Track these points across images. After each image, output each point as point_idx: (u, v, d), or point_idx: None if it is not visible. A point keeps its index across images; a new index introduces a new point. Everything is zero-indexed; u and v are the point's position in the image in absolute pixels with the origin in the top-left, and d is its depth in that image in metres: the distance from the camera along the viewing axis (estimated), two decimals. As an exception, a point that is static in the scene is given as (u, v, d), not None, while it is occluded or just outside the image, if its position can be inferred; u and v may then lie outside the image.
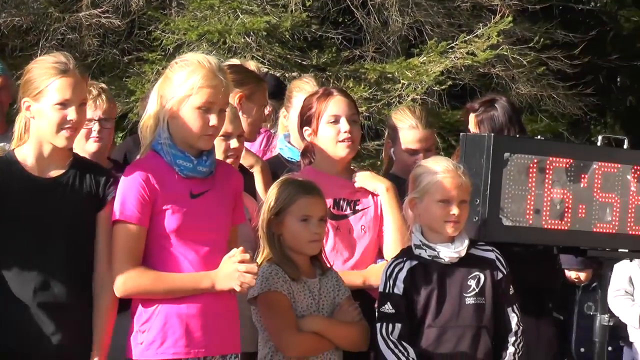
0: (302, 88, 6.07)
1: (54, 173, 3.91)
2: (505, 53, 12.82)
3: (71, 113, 3.83)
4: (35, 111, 3.81)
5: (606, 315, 5.14)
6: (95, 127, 5.52)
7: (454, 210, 4.33)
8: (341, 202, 5.02)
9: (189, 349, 4.06)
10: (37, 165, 3.87)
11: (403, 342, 4.37)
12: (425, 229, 4.52)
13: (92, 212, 3.99)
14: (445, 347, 4.42)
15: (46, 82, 3.91)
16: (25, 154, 3.92)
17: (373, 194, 5.16)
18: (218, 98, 3.99)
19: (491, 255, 4.59)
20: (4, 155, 4.09)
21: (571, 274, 8.15)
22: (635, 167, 4.95)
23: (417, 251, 4.51)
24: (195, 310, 4.10)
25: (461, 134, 5.47)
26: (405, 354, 4.35)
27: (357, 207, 5.08)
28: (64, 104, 3.83)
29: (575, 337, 8.23)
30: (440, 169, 4.47)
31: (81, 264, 3.92)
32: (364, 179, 5.20)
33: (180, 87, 3.98)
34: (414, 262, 4.50)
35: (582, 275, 8.13)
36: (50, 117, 3.82)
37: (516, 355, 4.51)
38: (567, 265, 7.57)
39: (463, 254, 4.47)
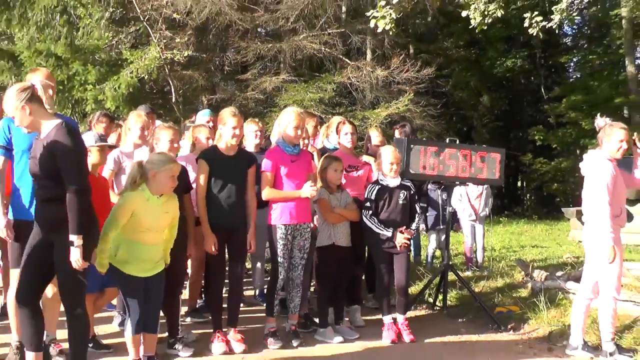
0: (332, 121, 8.76)
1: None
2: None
3: None
4: None
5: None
6: None
7: (394, 167, 7.27)
8: (350, 166, 8.01)
9: (291, 220, 6.93)
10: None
11: (373, 217, 7.32)
12: (382, 171, 7.46)
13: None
14: (390, 221, 7.30)
15: None
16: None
17: (366, 164, 8.34)
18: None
19: (408, 183, 7.56)
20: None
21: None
22: (462, 151, 8.20)
23: (380, 182, 7.45)
24: (294, 204, 6.89)
25: (395, 137, 9.25)
26: (374, 220, 7.28)
27: (357, 169, 8.15)
28: None
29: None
30: (390, 151, 7.41)
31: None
32: (364, 157, 8.62)
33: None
34: (378, 186, 7.42)
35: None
36: None
37: (415, 225, 7.57)
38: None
39: (398, 183, 7.41)
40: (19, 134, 5.80)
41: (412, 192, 7.57)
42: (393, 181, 7.42)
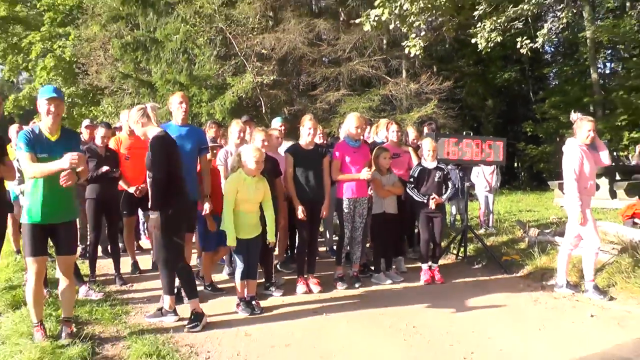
0: (379, 123, 8.91)
1: None
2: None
3: None
4: None
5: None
6: None
7: (432, 153, 7.29)
8: (395, 154, 7.72)
9: (353, 194, 6.90)
10: None
11: (414, 189, 7.32)
12: (424, 157, 7.46)
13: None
14: (428, 193, 7.25)
15: None
16: None
17: (406, 152, 8.15)
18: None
19: (443, 166, 7.51)
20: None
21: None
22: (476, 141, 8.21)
23: (422, 164, 7.43)
24: (355, 184, 6.87)
25: (425, 132, 9.09)
26: (414, 192, 7.29)
27: (400, 156, 7.94)
28: None
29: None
30: (429, 142, 7.43)
31: None
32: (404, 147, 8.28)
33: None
34: (420, 167, 7.40)
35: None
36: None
37: (445, 196, 7.43)
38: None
39: (434, 165, 7.38)
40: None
41: (445, 172, 7.50)
42: (431, 164, 7.43)
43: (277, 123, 8.65)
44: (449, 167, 9.48)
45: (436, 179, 7.37)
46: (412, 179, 7.43)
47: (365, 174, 6.81)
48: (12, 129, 8.57)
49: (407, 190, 7.43)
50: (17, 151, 4.81)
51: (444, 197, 7.49)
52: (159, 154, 5.21)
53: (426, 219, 7.41)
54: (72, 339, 4.84)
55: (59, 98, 4.85)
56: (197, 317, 5.39)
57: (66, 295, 5.09)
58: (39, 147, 4.67)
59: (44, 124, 4.81)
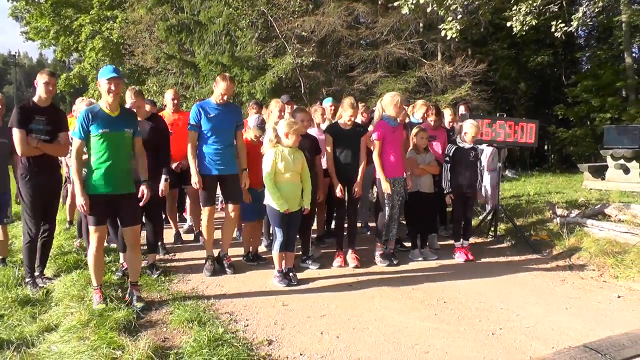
0: (416, 103, 8.51)
1: None
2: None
3: None
4: None
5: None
6: None
7: (470, 135, 7.21)
8: (431, 136, 7.68)
9: (391, 174, 6.70)
10: None
11: (448, 173, 7.25)
12: (463, 138, 7.34)
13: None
14: (464, 172, 7.25)
15: None
16: None
17: (442, 132, 8.13)
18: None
19: (477, 146, 7.65)
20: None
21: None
22: (509, 122, 8.08)
23: (458, 144, 7.35)
24: (393, 164, 6.69)
25: (460, 113, 8.95)
26: (447, 176, 7.24)
27: (435, 138, 7.94)
28: None
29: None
30: (469, 124, 7.28)
31: None
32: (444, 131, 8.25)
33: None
34: (455, 147, 7.33)
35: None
36: None
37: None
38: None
39: (470, 146, 7.33)
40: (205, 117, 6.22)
41: (477, 152, 7.51)
42: (467, 145, 7.34)
43: (327, 103, 8.68)
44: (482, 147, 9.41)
45: (470, 158, 7.34)
46: (447, 158, 7.37)
47: (386, 186, 6.74)
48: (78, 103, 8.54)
49: (443, 170, 7.40)
50: (73, 133, 4.98)
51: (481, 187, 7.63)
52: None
53: (459, 197, 7.34)
54: (140, 301, 5.08)
55: (119, 77, 4.98)
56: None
57: (133, 262, 5.27)
58: (100, 123, 4.83)
59: (104, 101, 4.97)
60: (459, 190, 7.32)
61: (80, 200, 4.84)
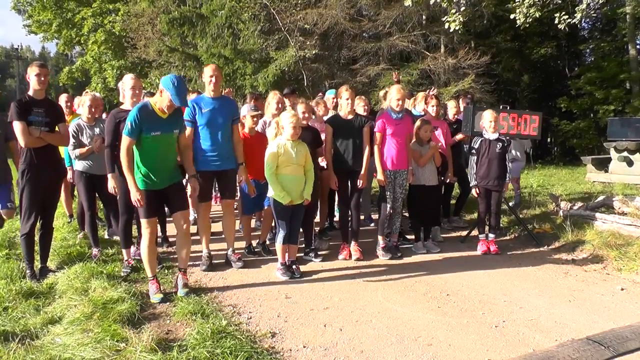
0: (417, 96, 8.49)
1: None
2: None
3: None
4: None
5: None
6: None
7: (493, 124, 7.11)
8: (434, 127, 7.56)
9: (393, 166, 6.70)
10: None
11: (474, 167, 7.20)
12: (485, 129, 7.23)
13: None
14: (490, 164, 7.10)
15: None
16: None
17: (443, 124, 7.99)
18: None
19: (503, 137, 7.28)
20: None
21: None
22: (512, 116, 7.98)
23: (483, 135, 7.23)
24: (395, 156, 6.66)
25: (463, 107, 8.75)
26: (473, 169, 7.20)
27: (437, 128, 7.77)
28: None
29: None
30: (490, 112, 7.19)
31: None
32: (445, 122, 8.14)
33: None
34: (481, 138, 7.23)
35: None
36: None
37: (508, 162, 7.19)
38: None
39: (496, 137, 7.18)
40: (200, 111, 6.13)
41: (505, 144, 7.29)
42: (492, 135, 7.26)
43: (330, 95, 8.62)
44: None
45: (497, 150, 7.19)
46: (473, 151, 7.32)
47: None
48: (62, 99, 8.67)
49: (469, 163, 7.42)
50: (124, 131, 4.98)
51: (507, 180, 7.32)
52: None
53: (484, 191, 7.27)
54: (187, 288, 5.24)
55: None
56: None
57: (183, 250, 5.42)
58: (153, 126, 4.94)
59: (157, 105, 5.01)
60: (485, 183, 7.25)
61: (135, 196, 4.96)
